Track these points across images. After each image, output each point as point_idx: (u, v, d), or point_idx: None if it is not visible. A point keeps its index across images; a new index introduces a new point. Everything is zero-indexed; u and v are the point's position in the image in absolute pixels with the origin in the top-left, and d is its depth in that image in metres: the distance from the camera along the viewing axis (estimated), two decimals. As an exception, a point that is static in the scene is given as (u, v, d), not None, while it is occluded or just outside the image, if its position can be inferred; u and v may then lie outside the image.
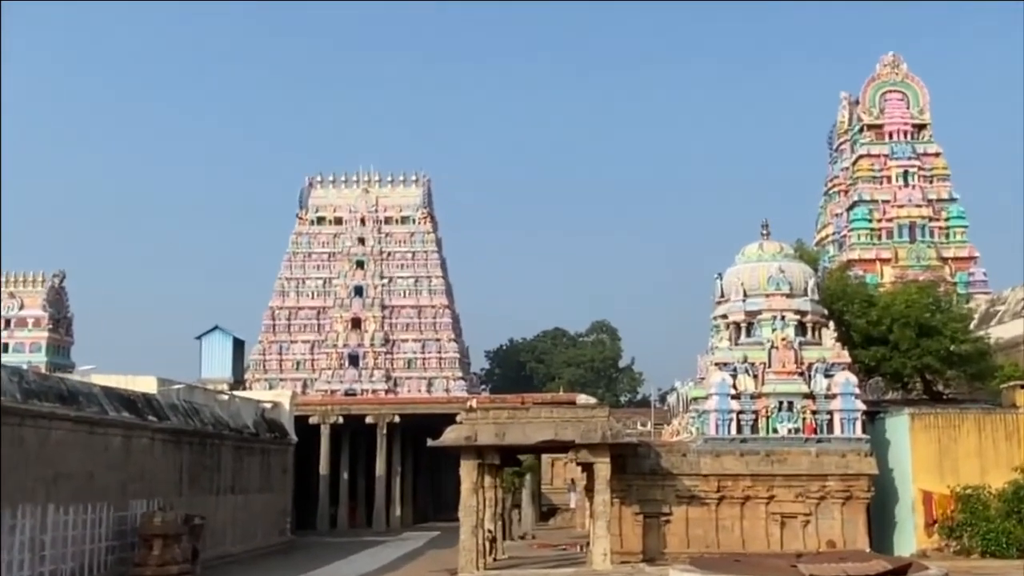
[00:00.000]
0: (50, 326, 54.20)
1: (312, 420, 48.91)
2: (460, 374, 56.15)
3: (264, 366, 55.67)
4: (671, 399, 46.36)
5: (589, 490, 27.71)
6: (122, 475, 26.04)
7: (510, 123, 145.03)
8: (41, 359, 51.97)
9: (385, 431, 50.54)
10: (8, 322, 53.44)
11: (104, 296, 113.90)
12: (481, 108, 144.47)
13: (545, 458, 50.15)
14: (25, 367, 29.12)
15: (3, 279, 54.57)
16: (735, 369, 28.62)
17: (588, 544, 27.89)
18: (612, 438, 26.10)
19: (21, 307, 53.84)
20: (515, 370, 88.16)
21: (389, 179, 60.34)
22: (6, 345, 52.65)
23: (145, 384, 29.53)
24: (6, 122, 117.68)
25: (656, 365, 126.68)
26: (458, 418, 27.78)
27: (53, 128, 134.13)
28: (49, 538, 22.61)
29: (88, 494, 24.27)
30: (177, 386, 31.83)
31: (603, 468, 26.15)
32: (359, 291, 56.95)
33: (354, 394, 54.09)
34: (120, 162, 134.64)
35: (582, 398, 46.29)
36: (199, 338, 56.89)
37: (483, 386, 69.23)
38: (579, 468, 31.57)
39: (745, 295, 29.78)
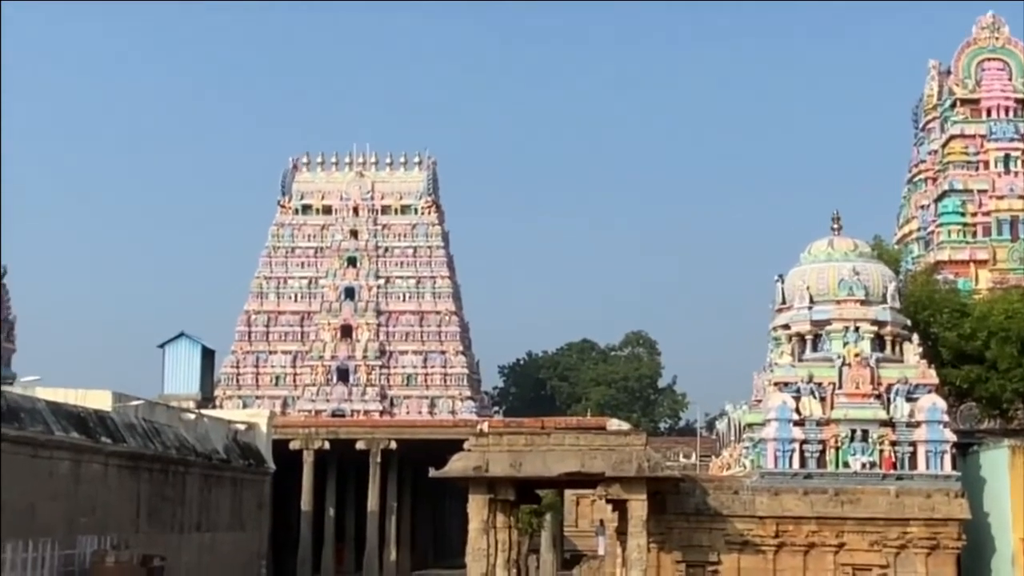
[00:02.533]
0: (-14, 331, 54.59)
1: (293, 445, 49.01)
2: (468, 393, 56.31)
3: (238, 380, 55.97)
4: (720, 426, 46.29)
5: (621, 533, 27.66)
6: (69, 506, 26.11)
7: (531, 101, 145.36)
8: (-25, 369, 52.27)
9: (379, 459, 50.58)
10: (-64, 325, 53.91)
11: (51, 296, 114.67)
12: (497, 82, 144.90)
13: (569, 495, 50.06)
14: (-43, 378, 29.24)
15: None
16: (798, 390, 28.55)
17: (620, 598, 27.87)
18: (650, 471, 26.07)
19: (-47, 308, 54.31)
20: (534, 389, 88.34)
21: (388, 161, 60.57)
22: (-67, 352, 53.07)
23: (98, 400, 29.64)
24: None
25: (702, 385, 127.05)
26: (466, 445, 27.80)
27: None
28: (-17, 580, 22.71)
29: (28, 529, 24.34)
30: (135, 403, 31.96)
31: (638, 507, 26.12)
32: (350, 293, 57.19)
33: (343, 415, 54.29)
34: (65, 140, 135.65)
35: (614, 423, 46.69)
36: (162, 347, 57.16)
37: (495, 407, 69.38)
38: (609, 507, 31.49)
39: (811, 302, 29.71)
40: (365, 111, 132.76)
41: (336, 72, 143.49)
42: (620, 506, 27.44)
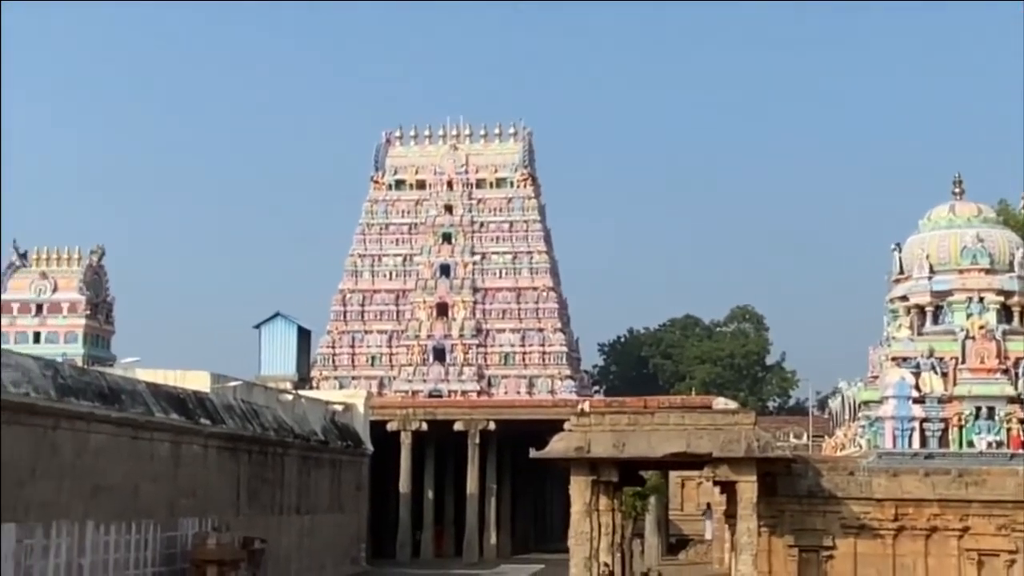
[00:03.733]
0: (88, 312, 56.07)
1: (391, 426, 49.59)
2: (568, 372, 56.36)
3: (334, 361, 56.78)
4: (833, 404, 45.74)
5: (730, 516, 27.54)
6: (171, 489, 26.95)
7: (631, 68, 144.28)
8: (78, 350, 53.88)
9: (478, 440, 50.93)
10: (40, 307, 55.53)
11: (149, 277, 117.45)
12: (595, 45, 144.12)
13: (674, 476, 49.98)
14: (60, 359, 30.23)
15: (34, 256, 56.73)
16: (918, 365, 28.11)
17: (729, 584, 27.80)
18: (760, 451, 25.88)
19: (54, 289, 55.83)
20: (635, 367, 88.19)
21: (482, 133, 60.59)
22: (37, 334, 54.80)
23: (197, 381, 30.45)
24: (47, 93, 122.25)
25: (814, 361, 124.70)
26: (566, 425, 27.88)
27: (88, 86, 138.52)
28: (88, 562, 23.57)
29: (132, 511, 25.22)
30: (233, 383, 32.73)
31: (748, 488, 25.97)
32: (446, 270, 57.54)
33: (440, 395, 54.74)
34: (165, 123, 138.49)
35: (720, 402, 46.44)
36: (258, 327, 58.24)
37: (596, 387, 69.28)
38: (716, 489, 31.41)
39: (931, 271, 29.23)
40: (459, 83, 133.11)
41: (428, 44, 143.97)
42: (728, 488, 27.32)
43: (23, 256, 56.76)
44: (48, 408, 22.31)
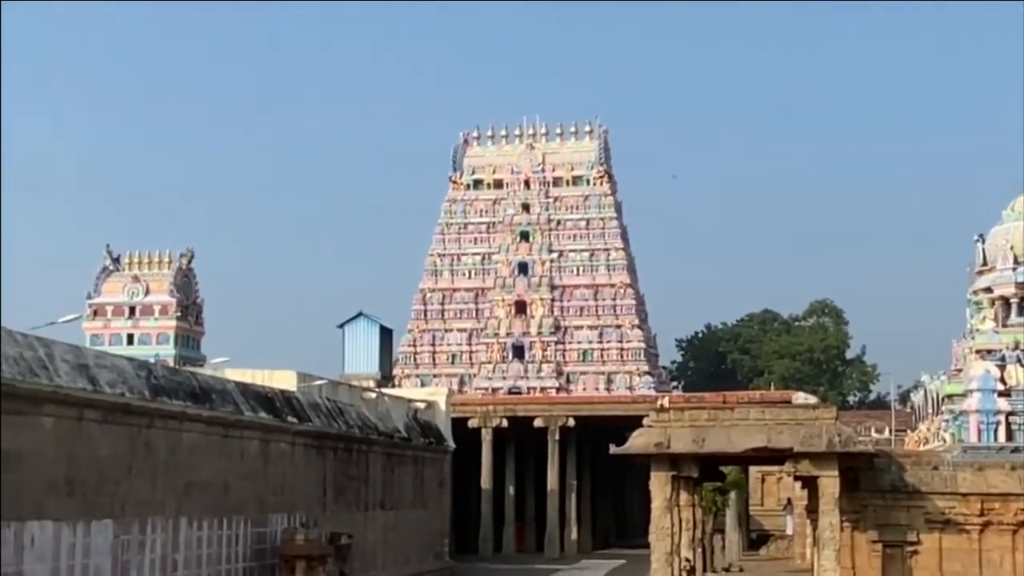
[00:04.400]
0: (178, 314, 57.13)
1: (472, 423, 49.82)
2: (646, 368, 56.23)
3: (415, 359, 57.27)
4: (916, 398, 45.06)
5: (811, 511, 27.35)
6: (260, 485, 27.39)
7: (704, 61, 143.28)
8: (169, 351, 54.95)
9: (557, 436, 51.00)
10: (133, 310, 56.75)
11: (237, 279, 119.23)
12: (668, 42, 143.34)
13: (754, 472, 49.60)
14: (153, 360, 30.86)
15: (127, 260, 58.01)
16: (1003, 358, 27.72)
17: (812, 578, 27.59)
18: (841, 446, 25.65)
19: (147, 292, 56.97)
20: (713, 363, 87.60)
21: (558, 132, 60.66)
22: (131, 336, 56.02)
23: (283, 380, 30.90)
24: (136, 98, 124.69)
25: (895, 355, 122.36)
26: (645, 421, 27.85)
27: (175, 95, 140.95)
28: (182, 557, 24.06)
29: (223, 507, 25.67)
30: (319, 382, 33.18)
31: (829, 483, 25.75)
32: (524, 268, 57.70)
33: (519, 392, 54.93)
34: (249, 129, 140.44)
35: (799, 397, 46.06)
36: (341, 327, 58.82)
37: (674, 383, 69.17)
38: (797, 484, 31.18)
39: (1016, 262, 28.85)
40: (534, 82, 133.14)
41: (504, 45, 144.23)
42: (810, 483, 27.12)
43: (116, 260, 58.00)
44: (142, 408, 22.78)
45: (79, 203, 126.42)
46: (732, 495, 46.95)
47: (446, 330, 57.67)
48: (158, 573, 23.26)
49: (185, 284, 58.86)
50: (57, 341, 21.75)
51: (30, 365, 19.81)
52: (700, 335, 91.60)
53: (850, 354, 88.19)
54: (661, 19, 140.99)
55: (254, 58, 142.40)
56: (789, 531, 48.64)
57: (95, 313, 56.08)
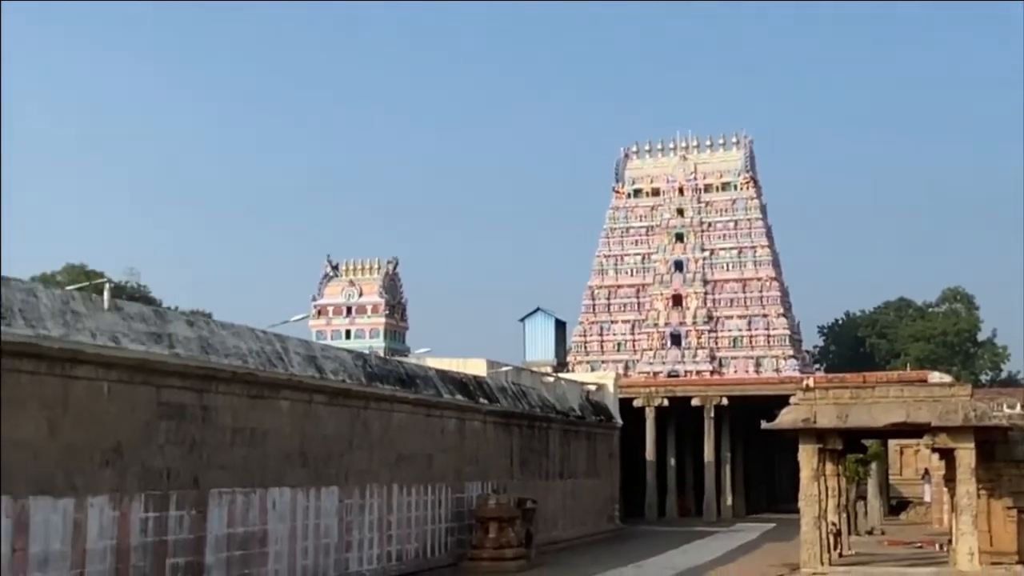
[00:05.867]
0: (387, 312, 59.20)
1: (636, 403, 49.80)
2: (791, 352, 55.23)
3: (585, 347, 57.58)
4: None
5: (948, 480, 26.48)
6: (458, 458, 28.02)
7: (839, 63, 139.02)
8: (380, 344, 56.94)
9: (712, 414, 50.50)
10: (349, 309, 59.01)
11: (434, 281, 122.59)
12: (811, 48, 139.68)
13: (892, 445, 48.18)
14: (367, 351, 31.93)
15: (344, 268, 60.23)
16: None
17: (949, 542, 26.68)
18: (976, 420, 24.72)
19: (360, 294, 59.22)
20: (852, 347, 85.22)
21: (708, 143, 60.22)
22: (348, 331, 58.27)
23: (475, 367, 31.48)
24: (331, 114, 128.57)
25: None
26: (792, 399, 27.46)
27: (369, 116, 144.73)
28: (395, 518, 24.82)
29: (428, 476, 26.36)
30: (505, 368, 33.69)
31: (966, 455, 24.86)
32: (679, 266, 57.40)
33: (677, 375, 54.66)
34: (441, 149, 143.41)
35: (935, 376, 44.47)
36: (522, 320, 59.67)
37: (816, 365, 67.53)
38: (933, 456, 30.22)
39: None
40: (687, 100, 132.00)
41: (659, 67, 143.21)
42: (946, 454, 26.24)
43: (335, 268, 60.29)
44: (360, 392, 23.47)
45: (305, 219, 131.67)
46: (873, 466, 45.69)
47: (612, 322, 57.80)
48: (375, 531, 24.02)
49: (392, 287, 60.73)
50: (290, 337, 22.67)
51: (269, 357, 20.68)
52: (840, 322, 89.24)
53: (981, 336, 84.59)
54: (801, 29, 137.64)
55: (451, 88, 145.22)
56: (927, 498, 47.07)
57: (319, 313, 58.37)
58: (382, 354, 45.37)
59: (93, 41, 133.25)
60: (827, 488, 27.94)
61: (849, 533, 34.63)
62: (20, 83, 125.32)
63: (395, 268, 61.23)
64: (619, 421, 42.89)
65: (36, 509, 15.00)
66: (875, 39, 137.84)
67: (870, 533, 40.46)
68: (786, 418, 26.69)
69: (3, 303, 15.00)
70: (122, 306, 17.84)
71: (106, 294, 17.55)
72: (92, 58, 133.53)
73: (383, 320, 59.06)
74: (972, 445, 24.79)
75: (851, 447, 29.90)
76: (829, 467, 28.02)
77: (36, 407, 15.11)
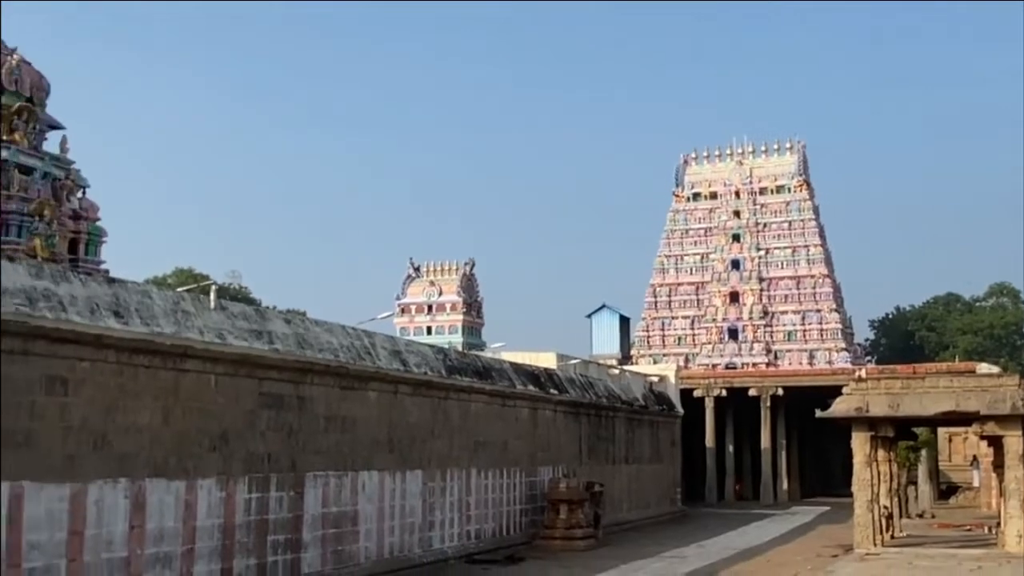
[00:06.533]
0: (464, 310, 59.80)
1: (696, 393, 49.53)
2: (843, 345, 54.41)
3: (648, 342, 57.39)
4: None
5: (997, 466, 25.96)
6: (530, 444, 28.16)
7: (887, 65, 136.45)
8: (458, 340, 57.49)
9: (768, 404, 50.06)
10: (430, 308, 59.76)
11: (507, 280, 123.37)
12: (859, 49, 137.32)
13: (942, 432, 47.20)
14: (447, 346, 32.24)
15: (425, 269, 61.14)
16: None
17: (997, 525, 26.13)
18: (1024, 409, 24.23)
19: (440, 293, 59.92)
20: (902, 340, 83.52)
21: (763, 149, 59.63)
22: (429, 328, 59.03)
23: (546, 360, 31.61)
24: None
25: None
26: (845, 389, 27.06)
27: (463, 127, 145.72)
28: (473, 499, 25.06)
29: (503, 461, 26.53)
30: (573, 361, 33.76)
31: (1014, 442, 24.32)
32: (736, 265, 56.92)
33: (735, 367, 54.18)
34: (513, 157, 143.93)
35: (983, 367, 43.45)
36: (589, 316, 59.69)
37: (868, 357, 66.32)
38: (981, 443, 29.60)
39: None
40: (742, 108, 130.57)
41: (711, 74, 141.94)
42: (995, 442, 25.72)
43: (417, 269, 61.09)
44: (440, 383, 23.69)
45: (389, 224, 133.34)
46: (923, 452, 44.94)
47: (672, 317, 57.50)
48: (456, 512, 24.27)
49: (469, 286, 61.28)
50: (377, 333, 23.02)
51: (358, 352, 21.03)
52: (890, 316, 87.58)
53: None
54: (851, 39, 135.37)
55: (524, 101, 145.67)
56: (976, 483, 46.07)
57: (402, 311, 59.14)
58: (460, 349, 45.81)
59: (192, 61, 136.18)
60: (879, 473, 27.50)
61: (900, 516, 34.04)
62: (136, 105, 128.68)
63: (472, 269, 61.72)
64: (680, 410, 42.71)
65: (152, 490, 15.48)
66: (921, 39, 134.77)
67: (920, 516, 39.72)
68: (840, 407, 26.38)
69: (120, 303, 15.52)
70: (226, 306, 18.31)
71: (212, 295, 18.04)
72: (192, 82, 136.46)
73: (461, 317, 59.61)
74: (1020, 433, 24.24)
75: (902, 435, 29.44)
76: (881, 453, 27.57)
77: (151, 398, 15.59)
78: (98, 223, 28.38)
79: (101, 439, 14.69)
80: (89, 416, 14.52)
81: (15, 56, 27.07)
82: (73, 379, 14.32)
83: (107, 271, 26.35)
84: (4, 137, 26.09)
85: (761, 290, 56.08)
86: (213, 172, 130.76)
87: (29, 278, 14.27)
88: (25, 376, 13.65)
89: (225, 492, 16.88)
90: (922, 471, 45.56)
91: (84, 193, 28.39)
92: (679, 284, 57.98)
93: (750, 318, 55.60)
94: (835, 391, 28.18)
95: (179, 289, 19.56)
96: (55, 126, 28.47)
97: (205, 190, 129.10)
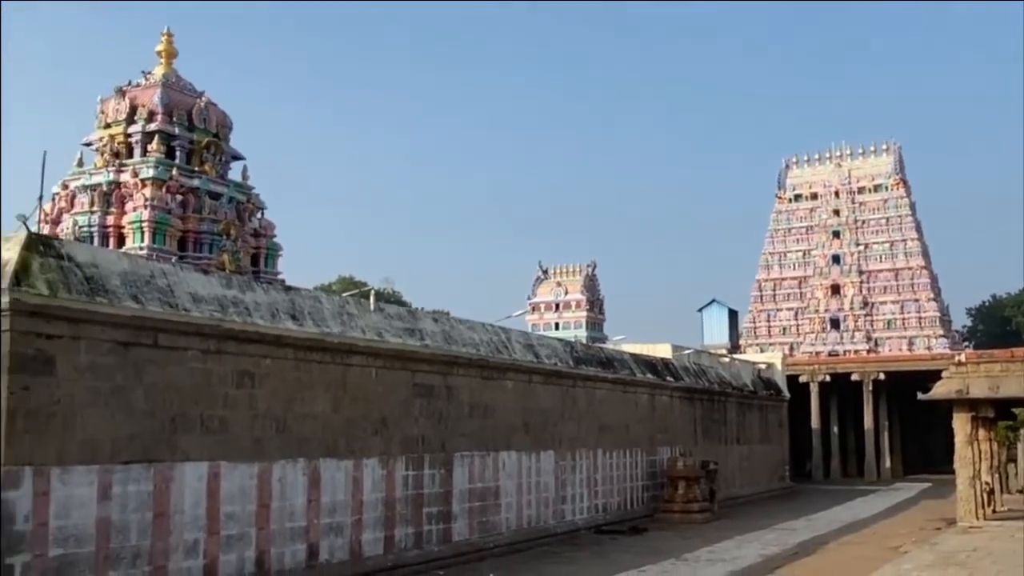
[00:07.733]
0: (587, 307, 60.01)
1: (801, 379, 48.27)
2: (941, 332, 52.04)
3: (755, 333, 56.17)
4: None
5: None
6: (650, 427, 28.04)
7: (981, 71, 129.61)
8: (582, 334, 57.78)
9: (870, 388, 48.36)
10: (557, 306, 60.36)
11: (625, 279, 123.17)
12: (953, 44, 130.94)
13: (1041, 413, 44.65)
14: (573, 340, 32.39)
15: (552, 271, 61.78)
16: None
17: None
18: (1123, 392, 22.77)
19: (566, 293, 60.40)
20: (999, 326, 79.26)
21: (860, 151, 57.74)
22: (557, 324, 59.49)
23: (662, 350, 31.42)
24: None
25: None
26: (945, 373, 25.97)
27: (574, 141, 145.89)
28: (600, 476, 25.14)
29: (626, 442, 26.52)
30: (687, 351, 33.44)
31: (1112, 422, 22.94)
32: (837, 259, 55.18)
33: (837, 354, 52.55)
34: (627, 163, 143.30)
35: (1081, 352, 40.80)
36: (700, 310, 58.90)
37: (965, 343, 63.10)
38: (1083, 423, 27.87)
39: None
40: (841, 112, 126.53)
41: (811, 84, 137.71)
42: (1094, 422, 24.24)
43: (545, 272, 61.63)
44: (568, 373, 23.85)
45: (520, 231, 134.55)
46: (1022, 431, 42.55)
47: (777, 310, 56.10)
48: (585, 488, 24.40)
49: (591, 285, 61.44)
50: (512, 329, 23.30)
51: (496, 346, 21.35)
52: (987, 303, 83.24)
53: (1124, 314, 77.03)
54: (943, 42, 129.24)
55: (640, 114, 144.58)
56: (1075, 461, 43.35)
57: (533, 309, 59.70)
58: (585, 342, 45.89)
59: (356, 80, 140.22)
60: (980, 451, 26.32)
61: (1001, 492, 32.41)
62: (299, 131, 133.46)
63: (594, 270, 61.79)
64: (787, 395, 41.76)
65: (325, 468, 16.10)
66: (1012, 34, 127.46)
67: (1021, 492, 37.68)
68: (940, 390, 25.37)
69: (295, 308, 16.19)
70: (383, 308, 18.88)
71: (371, 299, 18.63)
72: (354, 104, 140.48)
73: (585, 314, 59.73)
74: (1118, 413, 22.85)
75: (1002, 415, 28.05)
76: (981, 433, 26.37)
77: (323, 389, 16.22)
78: (275, 239, 29.62)
79: (282, 424, 15.36)
80: (272, 405, 15.20)
81: (203, 98, 28.52)
82: (258, 373, 15.02)
83: (284, 280, 27.52)
84: (196, 168, 27.52)
85: (861, 282, 54.19)
86: (368, 194, 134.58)
87: (221, 288, 15.04)
88: (219, 371, 14.40)
89: (386, 470, 17.41)
90: (1021, 449, 43.15)
91: (263, 214, 29.68)
92: (783, 279, 56.54)
93: (851, 308, 53.78)
94: (934, 375, 27.08)
95: (344, 294, 20.27)
96: (237, 156, 29.86)
97: (362, 209, 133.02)
